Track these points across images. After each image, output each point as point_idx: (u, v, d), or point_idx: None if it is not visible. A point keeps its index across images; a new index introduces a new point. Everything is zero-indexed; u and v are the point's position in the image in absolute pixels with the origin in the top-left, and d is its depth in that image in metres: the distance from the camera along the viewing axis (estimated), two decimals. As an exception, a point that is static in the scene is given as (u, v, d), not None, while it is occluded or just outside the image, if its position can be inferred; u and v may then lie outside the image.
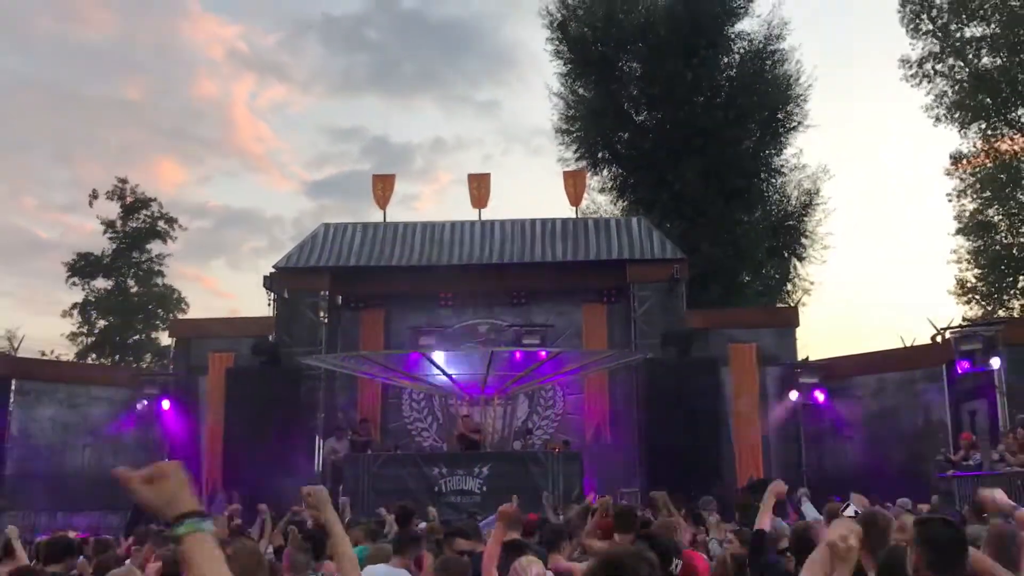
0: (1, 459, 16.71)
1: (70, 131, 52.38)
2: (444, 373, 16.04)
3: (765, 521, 5.16)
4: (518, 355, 16.68)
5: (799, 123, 25.67)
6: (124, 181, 35.14)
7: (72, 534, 8.21)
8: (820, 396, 17.31)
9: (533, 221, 19.37)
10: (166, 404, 17.56)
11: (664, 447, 16.30)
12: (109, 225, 34.78)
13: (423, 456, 15.94)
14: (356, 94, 57.22)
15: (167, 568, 4.84)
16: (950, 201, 26.52)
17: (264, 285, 18.10)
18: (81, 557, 6.25)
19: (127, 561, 6.17)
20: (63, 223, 51.32)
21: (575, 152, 26.70)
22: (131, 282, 35.13)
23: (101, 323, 34.76)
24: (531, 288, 18.91)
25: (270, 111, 58.97)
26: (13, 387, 17.29)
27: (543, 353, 16.60)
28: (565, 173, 20.43)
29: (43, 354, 30.46)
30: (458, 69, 56.84)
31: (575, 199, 19.65)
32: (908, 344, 17.22)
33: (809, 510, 11.28)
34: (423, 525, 8.32)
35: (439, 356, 16.10)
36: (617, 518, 6.65)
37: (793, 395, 17.39)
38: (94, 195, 34.94)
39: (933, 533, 3.21)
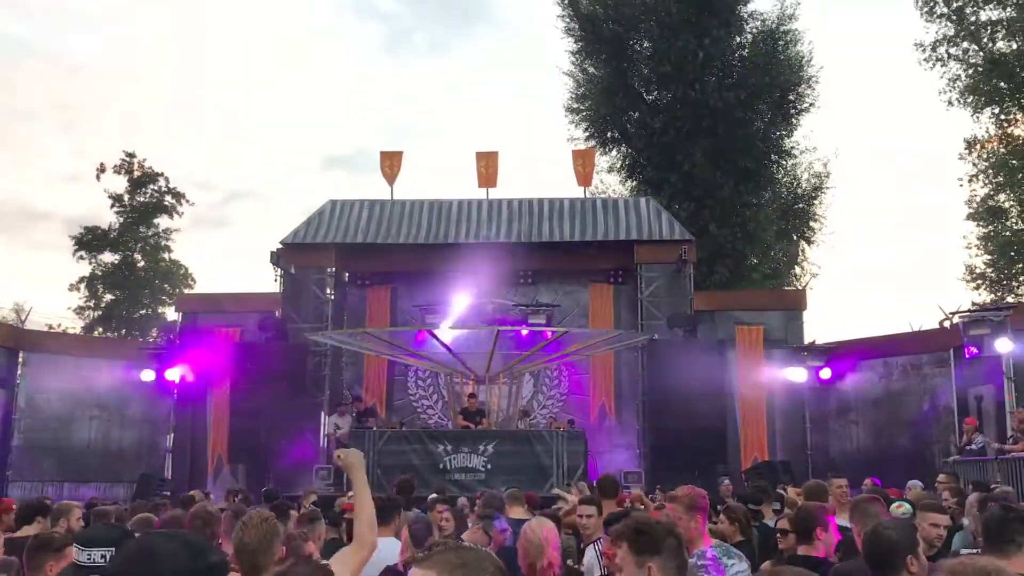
0: (9, 431, 16.81)
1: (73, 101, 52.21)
2: (449, 351, 16.01)
3: None
4: (524, 334, 16.67)
5: (810, 105, 25.53)
6: (132, 155, 35.13)
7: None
8: (826, 378, 17.26)
9: (541, 200, 19.26)
10: (172, 377, 17.59)
11: (668, 428, 16.31)
12: (116, 199, 34.77)
13: (428, 433, 15.88)
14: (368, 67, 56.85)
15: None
16: (961, 186, 26.36)
17: (271, 261, 18.09)
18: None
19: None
20: (66, 194, 51.28)
21: (585, 131, 26.56)
22: (138, 256, 35.16)
23: (108, 297, 34.84)
24: (538, 268, 18.87)
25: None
26: (21, 359, 17.36)
27: (549, 333, 16.57)
28: (574, 152, 20.27)
29: (50, 327, 30.57)
30: (471, 41, 56.45)
31: (584, 179, 19.51)
32: (916, 329, 17.14)
33: None
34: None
35: (445, 334, 16.07)
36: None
37: (800, 377, 17.33)
38: (101, 168, 34.93)
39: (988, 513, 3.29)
